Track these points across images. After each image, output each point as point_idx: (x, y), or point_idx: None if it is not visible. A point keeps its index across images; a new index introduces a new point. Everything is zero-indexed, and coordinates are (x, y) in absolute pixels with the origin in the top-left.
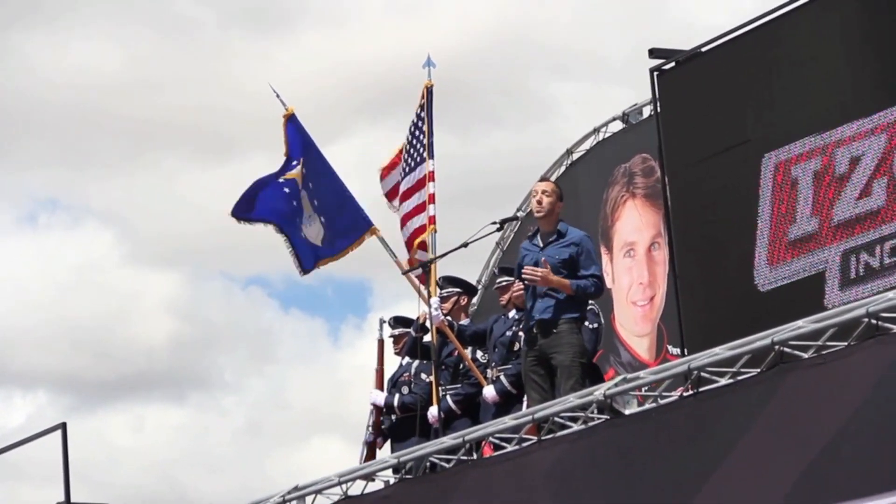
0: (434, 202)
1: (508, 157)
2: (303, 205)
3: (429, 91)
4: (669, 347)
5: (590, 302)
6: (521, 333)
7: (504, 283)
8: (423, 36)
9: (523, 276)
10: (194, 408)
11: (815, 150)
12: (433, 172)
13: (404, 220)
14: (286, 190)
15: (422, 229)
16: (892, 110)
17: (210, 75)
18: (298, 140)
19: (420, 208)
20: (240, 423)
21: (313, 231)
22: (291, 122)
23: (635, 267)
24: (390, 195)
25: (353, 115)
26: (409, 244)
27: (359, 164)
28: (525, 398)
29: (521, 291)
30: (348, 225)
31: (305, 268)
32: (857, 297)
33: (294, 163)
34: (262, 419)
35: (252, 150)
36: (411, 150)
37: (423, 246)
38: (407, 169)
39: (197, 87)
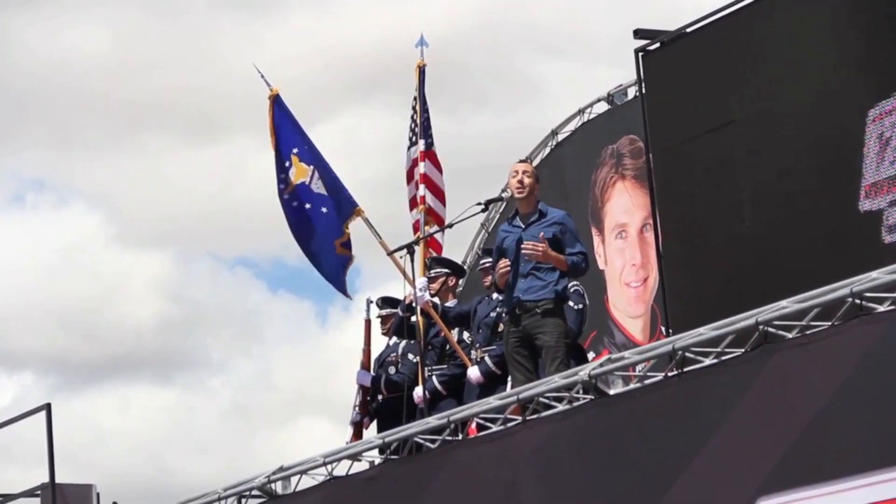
0: (425, 182)
1: (496, 138)
2: (308, 210)
3: (421, 71)
4: (663, 328)
5: (574, 283)
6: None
7: (488, 265)
8: (411, 17)
9: (523, 250)
10: (181, 389)
11: None
12: (424, 153)
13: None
14: (294, 204)
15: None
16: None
17: (198, 57)
18: (286, 125)
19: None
20: (226, 404)
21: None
22: (277, 104)
23: (628, 248)
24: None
25: (341, 95)
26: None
27: (346, 144)
28: (510, 378)
29: (506, 270)
30: (342, 204)
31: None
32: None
33: (287, 164)
34: (248, 400)
35: (240, 131)
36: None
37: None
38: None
39: (185, 69)
